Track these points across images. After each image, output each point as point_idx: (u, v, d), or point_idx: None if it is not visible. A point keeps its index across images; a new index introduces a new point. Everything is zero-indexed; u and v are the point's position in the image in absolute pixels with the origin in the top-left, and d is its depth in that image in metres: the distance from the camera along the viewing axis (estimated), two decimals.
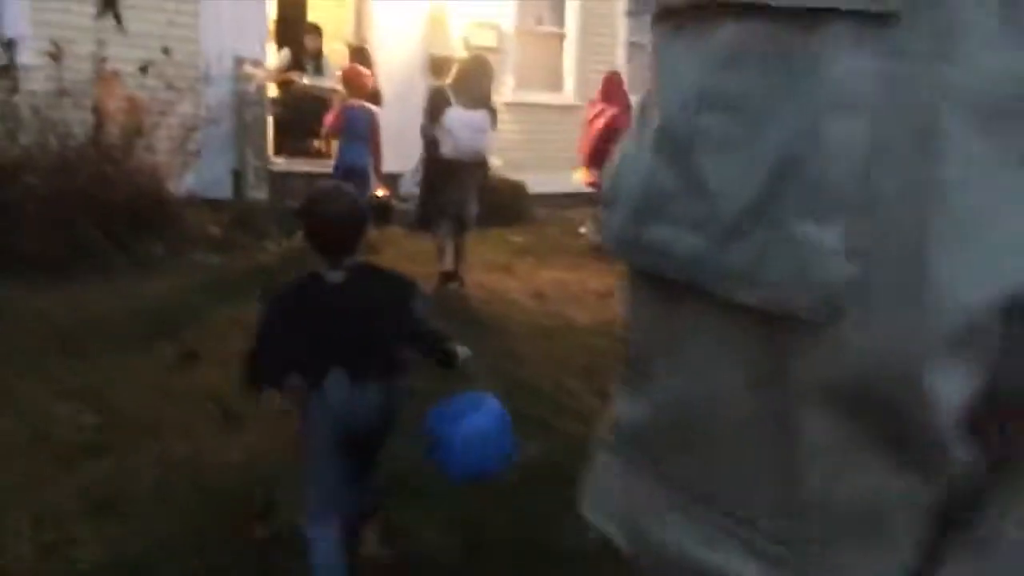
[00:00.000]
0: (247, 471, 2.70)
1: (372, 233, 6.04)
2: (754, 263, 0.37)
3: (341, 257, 1.96)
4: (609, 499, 0.46)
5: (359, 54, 7.19)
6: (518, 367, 3.69)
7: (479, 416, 1.96)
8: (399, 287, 2.04)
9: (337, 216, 1.97)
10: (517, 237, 7.15)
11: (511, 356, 3.89)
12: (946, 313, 0.35)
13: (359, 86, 5.59)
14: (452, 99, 5.02)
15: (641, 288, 0.43)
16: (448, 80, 5.22)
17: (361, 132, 5.44)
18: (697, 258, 0.39)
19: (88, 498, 2.52)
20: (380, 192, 6.36)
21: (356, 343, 1.91)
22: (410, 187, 6.02)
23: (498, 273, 5.94)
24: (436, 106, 5.06)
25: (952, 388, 0.36)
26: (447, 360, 2.03)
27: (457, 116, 4.96)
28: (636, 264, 0.43)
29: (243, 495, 2.53)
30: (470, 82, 5.10)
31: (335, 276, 1.95)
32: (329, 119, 5.68)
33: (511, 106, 8.56)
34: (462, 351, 2.04)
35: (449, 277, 5.28)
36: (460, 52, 7.88)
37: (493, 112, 5.23)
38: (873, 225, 0.35)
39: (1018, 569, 0.40)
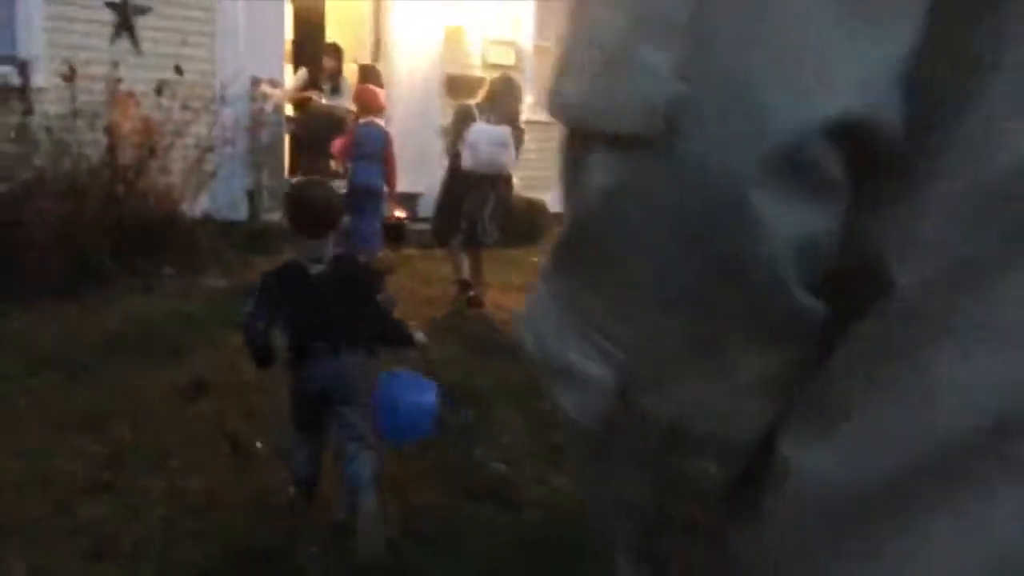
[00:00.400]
0: (257, 512, 2.54)
1: (387, 254, 5.95)
2: (611, 93, 0.42)
3: (319, 238, 2.34)
4: (533, 318, 0.53)
5: (369, 72, 7.12)
6: (542, 396, 3.51)
7: (416, 395, 2.68)
8: (368, 276, 2.56)
9: (320, 199, 2.40)
10: (536, 257, 7.00)
11: (534, 383, 3.71)
12: (766, 132, 0.38)
13: (370, 105, 5.48)
14: (477, 117, 5.06)
15: (563, 142, 0.49)
16: (477, 99, 5.27)
17: (373, 151, 5.31)
18: (581, 101, 0.44)
19: (89, 540, 2.38)
20: (397, 212, 6.24)
21: (337, 321, 2.32)
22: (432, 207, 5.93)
23: (517, 294, 5.79)
24: (461, 123, 5.09)
25: (782, 217, 0.38)
26: (405, 340, 2.50)
27: (480, 129, 5.01)
28: (560, 122, 0.48)
29: (252, 539, 2.38)
30: (499, 102, 5.15)
31: (317, 268, 2.34)
32: (337, 145, 5.57)
33: (529, 124, 8.43)
34: (419, 336, 2.54)
35: (466, 285, 5.25)
36: (478, 71, 7.82)
37: (520, 131, 5.25)
38: (703, 53, 0.39)
39: (866, 459, 0.41)
